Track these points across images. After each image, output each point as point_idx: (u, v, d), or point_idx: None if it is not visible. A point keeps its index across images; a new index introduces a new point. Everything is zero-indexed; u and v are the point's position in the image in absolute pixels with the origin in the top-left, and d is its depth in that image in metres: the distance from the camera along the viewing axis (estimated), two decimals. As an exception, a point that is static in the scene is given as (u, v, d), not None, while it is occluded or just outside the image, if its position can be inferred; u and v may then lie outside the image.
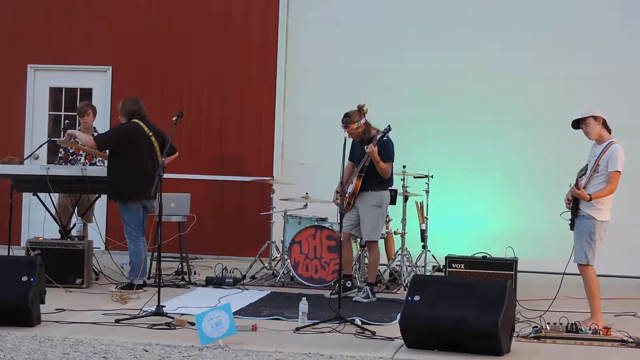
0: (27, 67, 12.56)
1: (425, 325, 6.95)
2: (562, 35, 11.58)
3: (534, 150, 11.64)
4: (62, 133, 9.86)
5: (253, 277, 10.33)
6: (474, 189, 11.62)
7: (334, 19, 12.07)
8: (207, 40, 12.30)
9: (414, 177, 10.52)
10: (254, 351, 6.79)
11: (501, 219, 11.52)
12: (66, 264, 9.41)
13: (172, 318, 7.74)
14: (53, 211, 9.98)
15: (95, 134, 10.15)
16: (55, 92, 12.70)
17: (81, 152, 10.27)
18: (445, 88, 11.71)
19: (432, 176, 10.41)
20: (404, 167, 10.25)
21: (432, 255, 10.47)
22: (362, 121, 9.13)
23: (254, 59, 12.20)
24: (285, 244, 10.24)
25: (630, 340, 7.36)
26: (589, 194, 7.78)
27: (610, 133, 8.04)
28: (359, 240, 9.72)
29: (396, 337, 7.23)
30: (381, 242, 9.83)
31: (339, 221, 8.52)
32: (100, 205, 11.17)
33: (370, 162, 9.10)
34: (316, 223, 10.07)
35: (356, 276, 9.75)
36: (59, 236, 9.87)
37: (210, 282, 9.82)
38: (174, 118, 8.66)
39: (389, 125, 9.12)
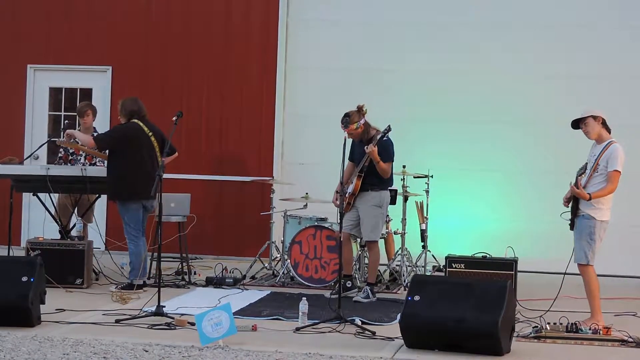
0: (27, 67, 12.56)
1: (425, 325, 6.95)
2: (562, 35, 11.58)
3: (534, 150, 11.64)
4: (62, 133, 9.86)
5: (253, 277, 10.33)
6: (474, 189, 11.62)
7: (334, 19, 12.07)
8: (207, 40, 12.30)
9: (414, 177, 10.52)
10: (254, 351, 6.79)
11: (501, 219, 11.52)
12: (66, 264, 9.41)
13: (172, 318, 7.74)
14: (53, 211, 9.98)
15: (95, 134, 10.15)
16: (55, 92, 12.70)
17: (81, 152, 10.26)
18: (445, 88, 11.71)
19: (432, 176, 10.41)
20: (404, 167, 10.25)
21: (432, 255, 10.47)
22: (362, 121, 9.14)
23: (254, 59, 12.21)
24: (285, 244, 10.24)
25: (631, 340, 7.35)
26: (588, 193, 7.78)
27: (609, 133, 8.04)
28: (359, 240, 9.72)
29: (396, 337, 7.23)
30: (381, 242, 9.83)
31: (339, 221, 8.51)
32: (100, 205, 11.17)
33: (370, 162, 9.10)
34: (316, 223, 10.07)
35: (356, 276, 9.75)
36: (59, 236, 9.87)
37: (210, 282, 9.82)
38: (174, 118, 8.66)
39: (389, 126, 9.12)
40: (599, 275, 7.97)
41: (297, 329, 7.60)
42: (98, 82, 12.52)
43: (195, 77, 12.32)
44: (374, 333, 7.47)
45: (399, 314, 7.16)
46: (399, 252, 10.24)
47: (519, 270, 9.28)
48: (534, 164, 11.61)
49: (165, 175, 8.61)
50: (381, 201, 9.26)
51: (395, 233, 10.38)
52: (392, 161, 9.28)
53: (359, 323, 7.81)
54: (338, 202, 8.89)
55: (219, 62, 12.25)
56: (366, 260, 9.73)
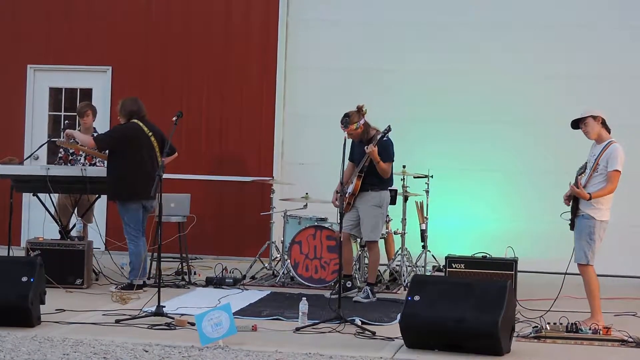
0: (27, 67, 12.56)
1: (425, 325, 6.95)
2: (562, 35, 11.58)
3: (534, 150, 11.64)
4: (61, 133, 9.85)
5: (253, 277, 10.33)
6: (474, 189, 11.62)
7: (334, 19, 12.07)
8: (207, 40, 12.30)
9: (414, 177, 10.52)
10: (254, 351, 6.79)
11: (501, 219, 11.52)
12: (66, 265, 9.40)
13: (172, 318, 7.74)
14: (53, 211, 9.98)
15: (95, 134, 10.15)
16: (55, 93, 12.70)
17: (81, 153, 10.26)
18: (445, 88, 11.71)
19: (432, 176, 10.41)
20: (404, 167, 10.25)
21: (432, 255, 10.47)
22: (361, 122, 9.14)
23: (254, 59, 12.21)
24: (285, 244, 10.24)
25: (631, 340, 7.35)
26: (588, 193, 7.78)
27: (609, 132, 8.04)
28: (359, 240, 9.72)
29: (396, 337, 7.23)
30: (381, 242, 9.83)
31: (339, 221, 8.51)
32: (100, 205, 11.17)
33: (370, 162, 9.10)
34: (316, 223, 10.07)
35: (356, 276, 9.75)
36: (58, 236, 9.88)
37: (210, 282, 9.81)
38: (174, 118, 8.66)
39: (389, 126, 9.12)
40: (599, 275, 7.97)
41: (297, 329, 7.60)
42: (98, 82, 12.52)
43: (195, 77, 12.32)
44: (374, 333, 7.47)
45: (399, 314, 7.16)
46: (399, 252, 10.24)
47: (519, 270, 9.28)
48: (534, 164, 11.61)
49: (165, 176, 8.62)
50: (381, 201, 9.26)
51: (395, 233, 10.38)
52: (392, 161, 9.28)
53: (359, 323, 7.81)
54: (337, 202, 8.89)
55: (219, 62, 12.25)
56: (366, 260, 9.73)
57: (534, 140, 11.64)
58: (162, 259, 8.46)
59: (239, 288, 9.70)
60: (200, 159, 12.24)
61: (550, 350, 7.15)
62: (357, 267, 9.86)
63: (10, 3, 12.64)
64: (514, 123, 11.60)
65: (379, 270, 9.77)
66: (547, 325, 7.51)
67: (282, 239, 10.45)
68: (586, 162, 8.02)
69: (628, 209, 10.61)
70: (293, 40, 12.17)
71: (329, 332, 7.55)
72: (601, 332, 7.43)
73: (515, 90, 11.62)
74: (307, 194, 10.55)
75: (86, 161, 10.30)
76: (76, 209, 10.20)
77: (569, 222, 8.03)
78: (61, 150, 10.50)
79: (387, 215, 9.82)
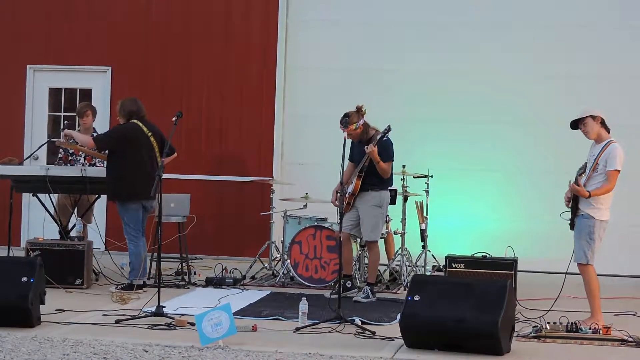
0: (26, 68, 12.56)
1: (425, 325, 6.95)
2: (562, 35, 11.58)
3: (534, 150, 11.64)
4: (61, 134, 9.85)
5: (253, 278, 10.33)
6: (474, 189, 11.62)
7: (334, 19, 12.07)
8: (207, 40, 12.30)
9: (414, 177, 10.52)
10: (254, 351, 6.79)
11: (501, 219, 11.52)
12: (66, 265, 9.40)
13: (172, 318, 7.73)
14: (52, 212, 9.97)
15: (95, 134, 10.15)
16: (54, 93, 12.70)
17: (80, 153, 10.26)
18: (445, 88, 11.71)
19: (432, 176, 10.42)
20: (404, 167, 10.25)
21: (432, 255, 10.47)
22: (361, 122, 9.14)
23: (254, 59, 12.21)
24: (285, 244, 10.24)
25: (630, 339, 7.35)
26: (587, 191, 7.78)
27: (608, 132, 8.04)
28: (359, 240, 9.72)
29: (396, 337, 7.23)
30: (381, 242, 9.83)
31: (339, 221, 8.51)
32: (100, 205, 11.17)
33: (370, 162, 9.10)
34: (316, 223, 10.07)
35: (356, 276, 9.75)
36: (58, 237, 9.88)
37: (210, 282, 9.81)
38: (174, 118, 8.66)
39: (388, 126, 9.12)
40: (598, 275, 7.97)
41: (297, 329, 7.59)
42: (98, 82, 12.52)
43: (195, 77, 12.32)
44: (374, 333, 7.47)
45: (399, 314, 7.16)
46: (399, 252, 10.24)
47: (519, 270, 9.27)
48: (534, 164, 11.61)
49: (165, 176, 8.62)
50: (381, 201, 9.26)
51: (395, 233, 10.38)
52: (392, 161, 9.28)
53: (359, 323, 7.80)
54: (337, 202, 8.89)
55: (219, 62, 12.25)
56: (366, 260, 9.73)
57: (534, 140, 11.64)
58: (162, 259, 8.46)
59: (239, 288, 9.70)
60: (200, 159, 12.24)
61: (550, 350, 7.15)
62: (357, 267, 9.86)
63: (10, 3, 12.64)
64: (514, 123, 11.60)
65: (379, 270, 9.77)
66: (547, 325, 7.51)
67: (282, 239, 10.45)
68: (586, 163, 8.02)
69: (628, 209, 10.61)
70: (293, 40, 12.17)
71: (329, 332, 7.55)
72: (601, 331, 7.43)
73: (515, 90, 11.62)
74: (307, 194, 10.55)
75: (86, 161, 10.30)
76: (76, 209, 10.20)
77: (569, 221, 8.03)
78: (61, 150, 10.50)
79: (387, 215, 9.82)
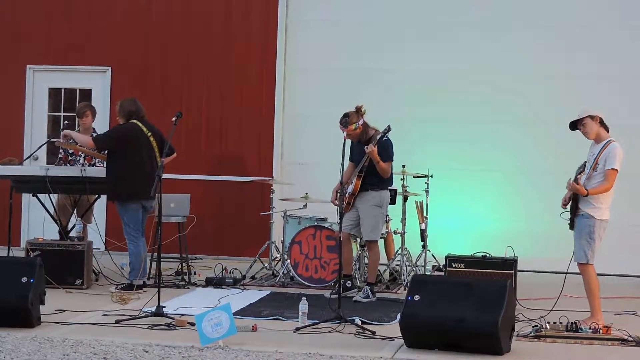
0: (26, 68, 12.56)
1: (425, 325, 6.95)
2: (562, 35, 11.58)
3: (534, 150, 11.64)
4: (60, 134, 9.85)
5: (253, 277, 10.33)
6: (474, 189, 11.62)
7: (334, 19, 12.07)
8: (207, 40, 12.30)
9: (414, 177, 10.52)
10: (254, 351, 6.79)
11: (501, 219, 11.52)
12: (66, 265, 9.40)
13: (172, 318, 7.74)
14: (52, 212, 9.97)
15: (94, 134, 10.14)
16: (54, 93, 12.70)
17: (80, 153, 10.26)
18: (445, 88, 11.71)
19: (431, 176, 10.42)
20: (404, 166, 10.25)
21: (432, 255, 10.47)
22: (360, 122, 9.14)
23: (253, 59, 12.21)
24: (285, 244, 10.24)
25: (630, 339, 7.35)
26: (586, 189, 7.78)
27: (608, 131, 8.04)
28: (359, 240, 9.72)
29: (396, 337, 7.23)
30: (381, 242, 9.83)
31: (338, 221, 8.51)
32: (100, 205, 11.17)
33: (370, 162, 9.10)
34: (316, 223, 10.07)
35: (356, 276, 9.75)
36: (58, 237, 9.88)
37: (210, 282, 9.81)
38: (174, 119, 8.66)
39: (388, 126, 9.12)
40: (598, 275, 7.96)
41: (297, 329, 7.59)
42: (98, 82, 12.52)
43: (195, 77, 12.32)
44: (374, 333, 7.47)
45: (399, 314, 7.16)
46: (399, 251, 10.24)
47: (519, 269, 9.27)
48: (534, 164, 11.61)
49: (164, 176, 8.62)
50: (381, 201, 9.26)
51: (395, 233, 10.38)
52: (392, 161, 9.28)
53: (359, 323, 7.80)
54: (337, 202, 8.89)
55: (219, 62, 12.25)
56: (366, 260, 9.73)
57: (534, 140, 11.64)
58: (162, 259, 8.46)
59: (239, 288, 9.70)
60: (200, 159, 12.24)
61: (550, 349, 7.15)
62: (357, 267, 9.86)
63: (10, 3, 12.64)
64: (514, 123, 11.60)
65: (379, 270, 9.77)
66: (547, 325, 7.51)
67: (282, 239, 10.45)
68: (585, 162, 8.02)
69: (628, 208, 10.61)
70: (293, 40, 12.17)
71: (329, 332, 7.55)
72: (601, 331, 7.43)
73: (515, 90, 11.62)
74: (306, 194, 10.55)
75: (85, 162, 10.30)
76: (76, 210, 10.20)
77: (569, 221, 8.03)
78: (61, 150, 10.50)
79: (387, 215, 9.82)
